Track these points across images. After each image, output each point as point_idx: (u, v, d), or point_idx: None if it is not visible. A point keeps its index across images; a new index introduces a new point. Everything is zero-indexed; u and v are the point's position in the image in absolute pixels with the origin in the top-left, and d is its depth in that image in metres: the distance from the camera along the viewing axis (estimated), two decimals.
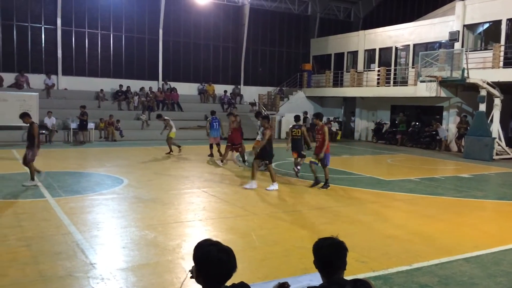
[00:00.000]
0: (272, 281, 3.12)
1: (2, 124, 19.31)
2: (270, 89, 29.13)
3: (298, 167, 12.61)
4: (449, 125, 21.99)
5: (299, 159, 12.57)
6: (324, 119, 26.99)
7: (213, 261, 2.35)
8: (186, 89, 26.63)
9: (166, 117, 17.21)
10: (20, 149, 17.18)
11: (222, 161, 14.67)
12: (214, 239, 2.52)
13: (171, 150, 16.76)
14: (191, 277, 2.43)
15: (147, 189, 10.40)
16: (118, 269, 5.41)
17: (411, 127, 23.36)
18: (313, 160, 11.09)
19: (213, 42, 27.72)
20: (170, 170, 13.39)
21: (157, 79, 26.02)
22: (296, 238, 6.83)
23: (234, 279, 2.51)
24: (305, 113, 24.94)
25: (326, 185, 10.97)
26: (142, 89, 24.86)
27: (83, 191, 9.91)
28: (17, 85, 21.87)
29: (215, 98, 27.28)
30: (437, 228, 7.77)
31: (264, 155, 10.85)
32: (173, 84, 25.94)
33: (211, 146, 16.39)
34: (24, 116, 10.35)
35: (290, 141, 12.47)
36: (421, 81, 20.90)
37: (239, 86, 28.63)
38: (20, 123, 19.69)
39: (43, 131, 19.79)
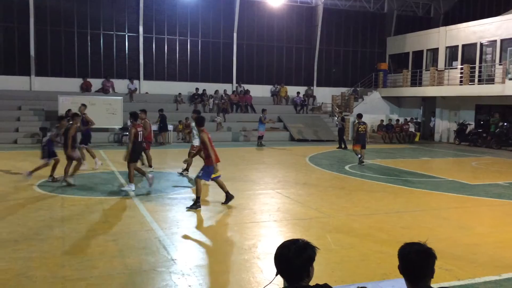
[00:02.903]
0: (351, 285, 3.05)
1: (91, 126, 20.69)
2: (343, 89, 28.60)
3: (363, 160, 14.84)
4: None
5: (362, 150, 14.89)
6: (401, 119, 26.19)
7: (275, 257, 2.48)
8: (259, 91, 26.95)
9: None
10: (107, 150, 18.41)
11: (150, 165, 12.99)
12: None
13: None
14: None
15: None
16: (197, 266, 5.59)
17: (499, 127, 21.77)
18: (213, 175, 8.91)
19: (286, 43, 27.79)
20: (244, 170, 13.61)
21: (231, 82, 26.60)
22: (374, 242, 6.63)
23: (313, 281, 2.50)
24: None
25: (195, 205, 8.48)
26: (216, 91, 25.54)
27: (163, 190, 10.37)
28: (104, 90, 23.45)
29: (288, 100, 27.32)
30: None
31: (131, 155, 9.92)
32: (246, 87, 26.38)
33: (259, 137, 21.02)
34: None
35: (356, 136, 15.00)
36: (510, 79, 19.43)
37: (312, 87, 28.43)
38: (107, 125, 21.26)
39: (127, 133, 20.99)
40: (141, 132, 10.27)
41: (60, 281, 5.01)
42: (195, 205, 8.49)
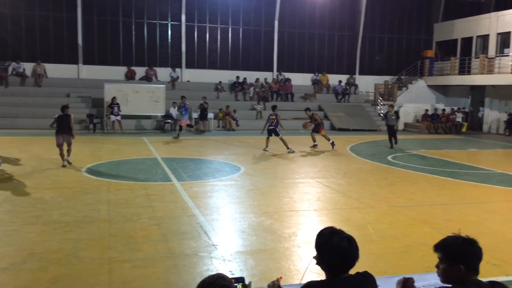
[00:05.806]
0: (395, 276, 3.00)
1: (135, 114, 21.32)
2: (387, 78, 27.88)
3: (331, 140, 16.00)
4: None
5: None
6: (447, 109, 25.27)
7: (334, 249, 2.37)
8: (300, 79, 26.70)
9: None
10: (150, 136, 18.85)
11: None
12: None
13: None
14: (316, 264, 2.45)
15: (263, 177, 10.69)
16: (238, 252, 5.67)
17: None
18: None
19: (328, 31, 27.33)
20: (284, 159, 13.60)
21: (272, 70, 26.51)
22: (417, 234, 6.49)
23: (352, 271, 2.47)
24: None
25: None
26: (257, 80, 25.52)
27: (204, 176, 10.54)
28: (147, 78, 23.97)
29: (329, 88, 26.94)
30: None
31: None
32: (287, 75, 26.22)
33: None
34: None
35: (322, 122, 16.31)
36: None
37: (354, 76, 27.87)
38: (150, 112, 21.74)
39: (169, 120, 21.43)
40: None
41: (107, 262, 5.21)
42: None
